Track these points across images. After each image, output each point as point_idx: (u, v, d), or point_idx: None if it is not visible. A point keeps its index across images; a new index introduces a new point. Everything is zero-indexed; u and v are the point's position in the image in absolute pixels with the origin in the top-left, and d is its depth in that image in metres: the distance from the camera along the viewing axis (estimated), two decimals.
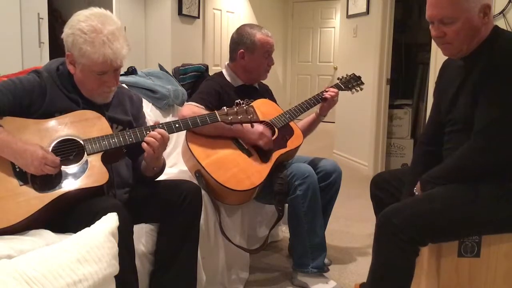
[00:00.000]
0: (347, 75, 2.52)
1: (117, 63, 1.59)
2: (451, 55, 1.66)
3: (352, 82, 2.49)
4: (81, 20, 1.57)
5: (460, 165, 1.58)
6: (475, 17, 1.53)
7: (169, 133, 1.67)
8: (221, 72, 2.42)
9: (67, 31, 1.60)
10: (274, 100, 2.49)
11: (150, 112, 2.51)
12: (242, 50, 2.30)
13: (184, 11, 5.21)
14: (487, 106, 1.52)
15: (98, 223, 1.29)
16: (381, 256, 1.59)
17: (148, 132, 1.65)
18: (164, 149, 1.69)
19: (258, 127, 2.12)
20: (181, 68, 2.82)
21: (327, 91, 2.36)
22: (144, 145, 1.63)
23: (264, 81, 2.52)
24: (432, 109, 1.85)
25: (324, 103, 2.37)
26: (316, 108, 2.42)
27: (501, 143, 1.51)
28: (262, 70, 2.35)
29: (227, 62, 2.42)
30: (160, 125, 1.69)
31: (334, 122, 5.18)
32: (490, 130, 1.51)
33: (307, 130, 2.49)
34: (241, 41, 2.31)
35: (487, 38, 1.58)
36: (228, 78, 2.37)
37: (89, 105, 1.67)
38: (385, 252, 1.57)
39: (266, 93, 2.50)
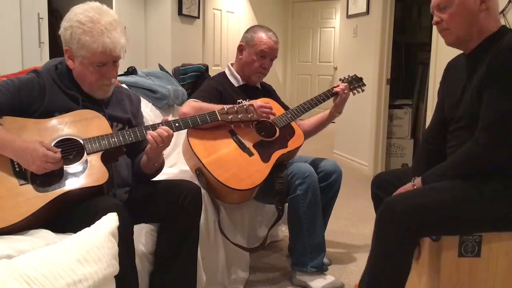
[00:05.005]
0: (349, 76, 2.51)
1: (116, 53, 1.60)
2: (451, 43, 1.66)
3: (354, 83, 2.48)
4: (79, 13, 1.59)
5: (464, 161, 1.58)
6: (470, 1, 1.56)
7: None
8: (223, 72, 2.42)
9: (65, 25, 1.60)
10: (278, 100, 2.48)
11: (150, 112, 2.51)
12: (242, 43, 2.32)
13: (184, 11, 5.20)
14: (492, 103, 1.52)
15: (98, 223, 1.29)
16: (380, 243, 1.59)
17: (148, 132, 1.66)
18: (168, 145, 1.70)
19: (256, 102, 2.07)
20: (181, 68, 2.83)
21: (334, 88, 2.37)
22: (149, 137, 1.64)
23: (264, 81, 2.52)
24: (437, 107, 1.85)
25: (336, 98, 2.37)
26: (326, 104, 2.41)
27: (505, 140, 1.51)
28: (252, 69, 2.32)
29: (230, 62, 2.42)
30: (161, 124, 1.69)
31: (334, 122, 5.15)
32: (495, 127, 1.51)
33: (320, 125, 2.47)
34: (245, 35, 2.35)
35: (492, 35, 1.58)
36: (230, 77, 2.38)
37: (89, 102, 1.67)
38: (384, 240, 1.57)
39: (269, 93, 2.49)
